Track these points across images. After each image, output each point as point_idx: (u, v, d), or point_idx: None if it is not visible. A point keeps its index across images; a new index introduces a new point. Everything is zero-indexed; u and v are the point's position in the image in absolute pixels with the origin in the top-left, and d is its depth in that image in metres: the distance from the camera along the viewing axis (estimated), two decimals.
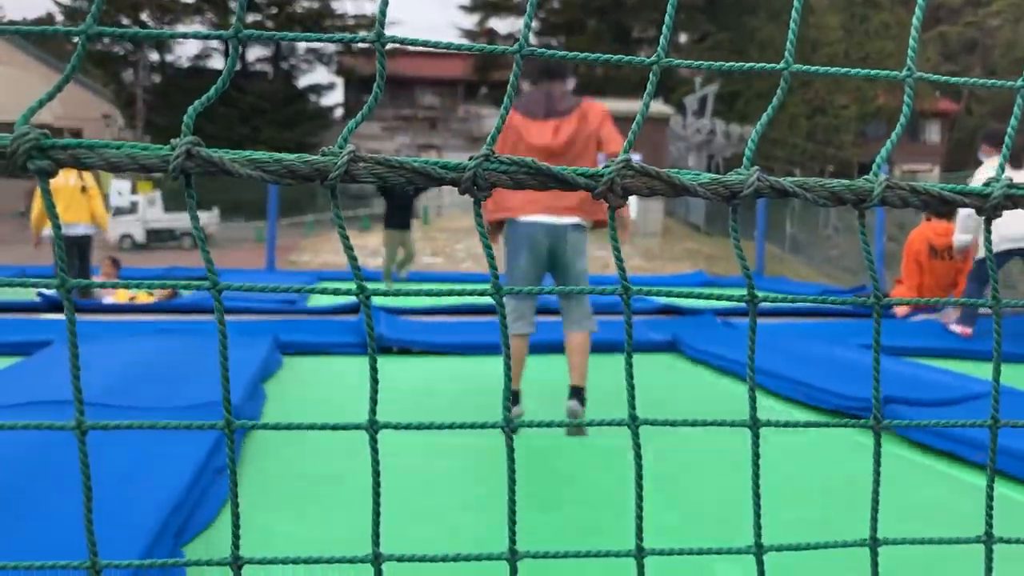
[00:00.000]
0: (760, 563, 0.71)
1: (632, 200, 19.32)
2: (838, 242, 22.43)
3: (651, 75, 0.69)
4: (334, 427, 0.71)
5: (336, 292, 0.72)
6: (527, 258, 3.42)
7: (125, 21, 36.07)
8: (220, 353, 0.67)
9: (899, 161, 37.64)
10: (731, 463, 3.18)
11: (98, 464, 2.71)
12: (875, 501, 0.77)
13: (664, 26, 0.67)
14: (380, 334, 5.73)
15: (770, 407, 4.32)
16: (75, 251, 8.31)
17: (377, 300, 7.54)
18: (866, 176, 0.73)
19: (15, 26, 0.69)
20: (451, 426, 0.71)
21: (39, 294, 8.12)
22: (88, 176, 8.41)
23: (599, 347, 5.93)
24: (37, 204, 8.31)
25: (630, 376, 0.74)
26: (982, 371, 5.27)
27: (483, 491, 2.92)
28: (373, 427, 0.69)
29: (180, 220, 25.80)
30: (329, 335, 5.92)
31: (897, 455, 3.39)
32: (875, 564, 0.75)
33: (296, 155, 0.65)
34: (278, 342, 5.52)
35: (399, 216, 10.23)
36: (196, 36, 0.70)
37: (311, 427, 0.72)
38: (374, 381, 0.69)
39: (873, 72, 0.75)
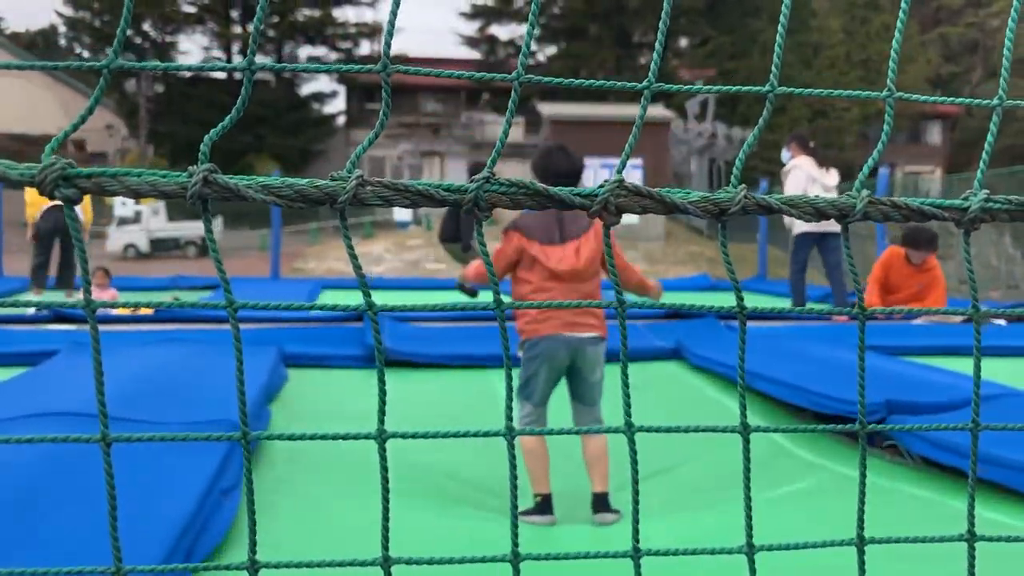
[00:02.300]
0: (752, 562, 0.75)
1: None
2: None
3: (643, 99, 0.73)
4: (344, 437, 0.74)
5: (346, 309, 0.75)
6: (546, 372, 3.34)
7: (128, 33, 36.16)
8: (236, 369, 0.70)
9: (901, 163, 37.65)
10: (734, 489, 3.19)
11: (104, 485, 2.73)
12: (861, 502, 0.80)
13: (655, 52, 0.71)
14: (384, 347, 5.74)
15: (780, 419, 4.33)
16: (58, 238, 8.74)
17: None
18: (848, 192, 0.76)
19: (43, 61, 0.72)
20: (456, 434, 0.74)
21: (44, 305, 8.18)
22: None
23: (607, 355, 5.95)
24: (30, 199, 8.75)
25: (626, 385, 0.77)
26: (987, 369, 5.28)
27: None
28: (382, 436, 0.72)
29: (183, 229, 25.87)
30: (334, 346, 5.91)
31: (901, 491, 3.34)
32: (862, 563, 0.78)
33: (307, 180, 0.69)
34: (283, 355, 5.52)
35: (445, 229, 9.70)
36: (212, 68, 0.73)
37: (323, 437, 0.75)
38: (382, 392, 0.72)
39: (855, 93, 0.78)
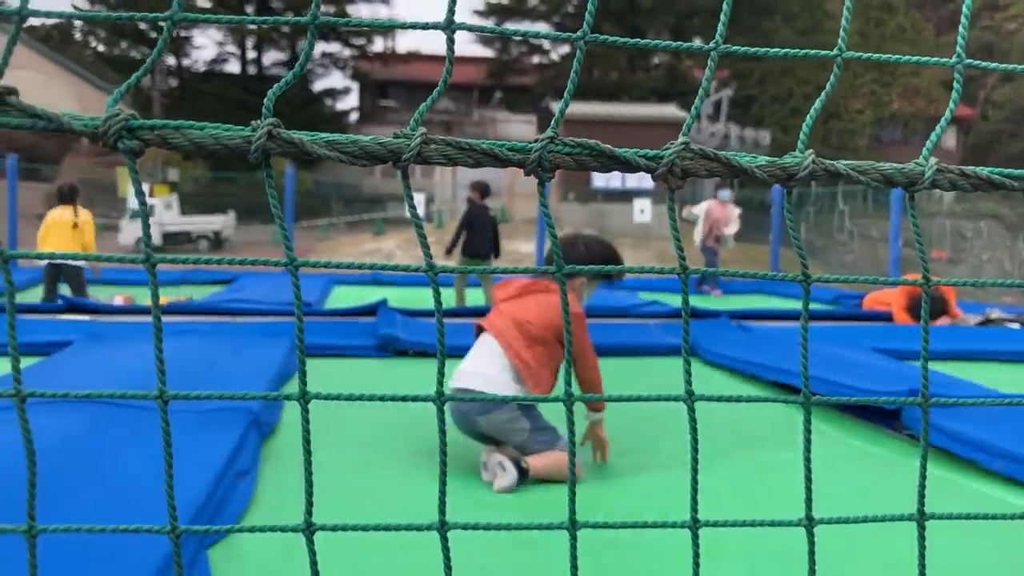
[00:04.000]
0: (810, 535, 0.73)
1: (647, 204, 19.35)
2: (853, 247, 22.39)
3: (709, 60, 0.72)
4: (403, 399, 0.73)
5: (407, 269, 0.74)
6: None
7: (142, 26, 36.34)
8: (296, 327, 0.69)
9: None
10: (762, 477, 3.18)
11: (122, 464, 2.74)
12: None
13: (722, 15, 0.70)
14: (396, 337, 5.74)
15: (790, 414, 4.32)
16: (60, 278, 8.79)
17: (395, 302, 7.60)
18: (916, 160, 0.75)
19: (96, 12, 0.72)
20: (515, 399, 0.73)
21: (59, 296, 8.27)
22: (83, 212, 8.92)
23: (619, 351, 5.96)
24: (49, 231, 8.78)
25: (687, 352, 0.76)
26: (991, 373, 5.27)
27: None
28: (440, 399, 0.71)
29: (196, 223, 25.92)
30: (346, 337, 5.91)
31: (915, 468, 3.38)
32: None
33: (371, 137, 0.68)
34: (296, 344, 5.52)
35: (477, 245, 9.71)
36: (276, 22, 0.72)
37: (381, 398, 0.74)
38: (442, 345, 0.71)
39: (924, 59, 0.77)
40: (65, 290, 8.75)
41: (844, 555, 2.37)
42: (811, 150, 0.74)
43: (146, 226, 0.69)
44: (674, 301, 9.65)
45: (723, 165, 0.71)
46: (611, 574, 2.27)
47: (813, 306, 10.67)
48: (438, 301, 0.71)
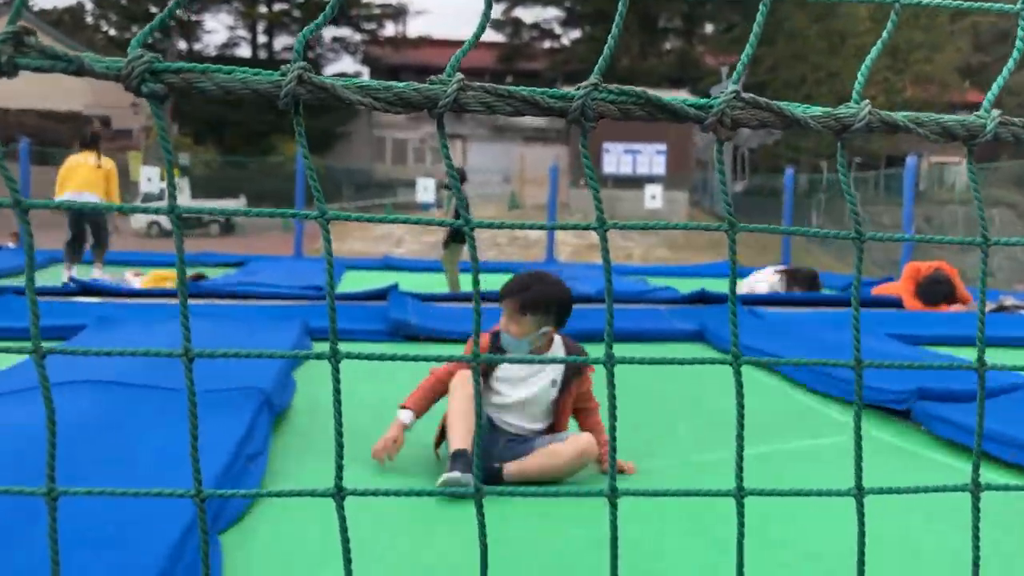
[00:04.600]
0: (860, 505, 0.71)
1: (658, 191, 19.27)
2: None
3: (761, 4, 0.69)
4: (438, 359, 0.71)
5: (442, 224, 0.71)
6: None
7: (154, 10, 36.34)
8: (327, 284, 0.67)
9: (927, 154, 37.22)
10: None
11: (132, 448, 2.72)
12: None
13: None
14: (408, 322, 5.73)
15: (805, 403, 4.29)
16: (84, 223, 8.79)
17: (407, 286, 7.58)
18: (977, 112, 0.72)
19: None
20: (543, 360, 0.70)
21: (72, 279, 8.26)
22: (107, 160, 8.91)
23: (630, 337, 5.91)
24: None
25: (733, 315, 0.73)
26: (1013, 360, 5.21)
27: None
28: (477, 360, 0.68)
29: (207, 207, 25.97)
30: (357, 322, 5.90)
31: (927, 458, 3.34)
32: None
33: (405, 83, 0.65)
34: (307, 327, 5.51)
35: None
36: None
37: (415, 359, 0.72)
38: (477, 302, 0.69)
39: (987, 5, 0.74)
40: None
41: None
42: (867, 100, 0.71)
43: (171, 176, 0.66)
44: (684, 287, 9.57)
45: (775, 115, 0.68)
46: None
47: (825, 292, 10.59)
48: (475, 257, 0.68)
